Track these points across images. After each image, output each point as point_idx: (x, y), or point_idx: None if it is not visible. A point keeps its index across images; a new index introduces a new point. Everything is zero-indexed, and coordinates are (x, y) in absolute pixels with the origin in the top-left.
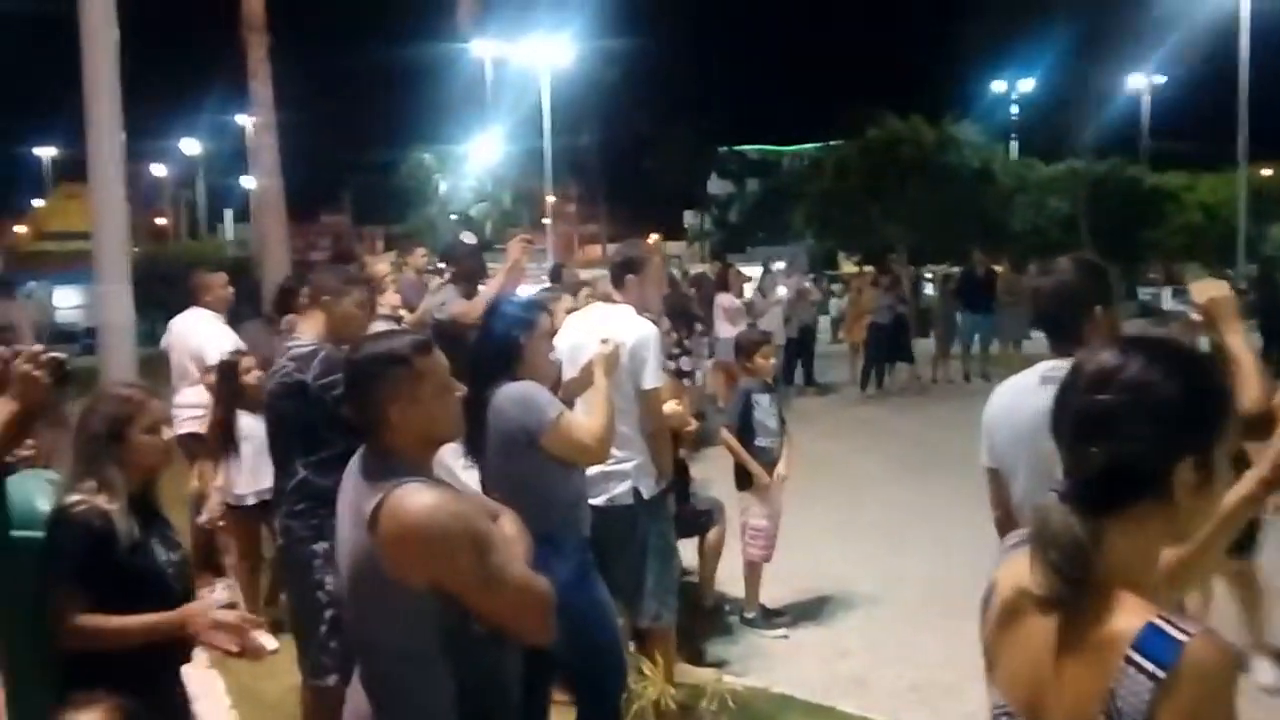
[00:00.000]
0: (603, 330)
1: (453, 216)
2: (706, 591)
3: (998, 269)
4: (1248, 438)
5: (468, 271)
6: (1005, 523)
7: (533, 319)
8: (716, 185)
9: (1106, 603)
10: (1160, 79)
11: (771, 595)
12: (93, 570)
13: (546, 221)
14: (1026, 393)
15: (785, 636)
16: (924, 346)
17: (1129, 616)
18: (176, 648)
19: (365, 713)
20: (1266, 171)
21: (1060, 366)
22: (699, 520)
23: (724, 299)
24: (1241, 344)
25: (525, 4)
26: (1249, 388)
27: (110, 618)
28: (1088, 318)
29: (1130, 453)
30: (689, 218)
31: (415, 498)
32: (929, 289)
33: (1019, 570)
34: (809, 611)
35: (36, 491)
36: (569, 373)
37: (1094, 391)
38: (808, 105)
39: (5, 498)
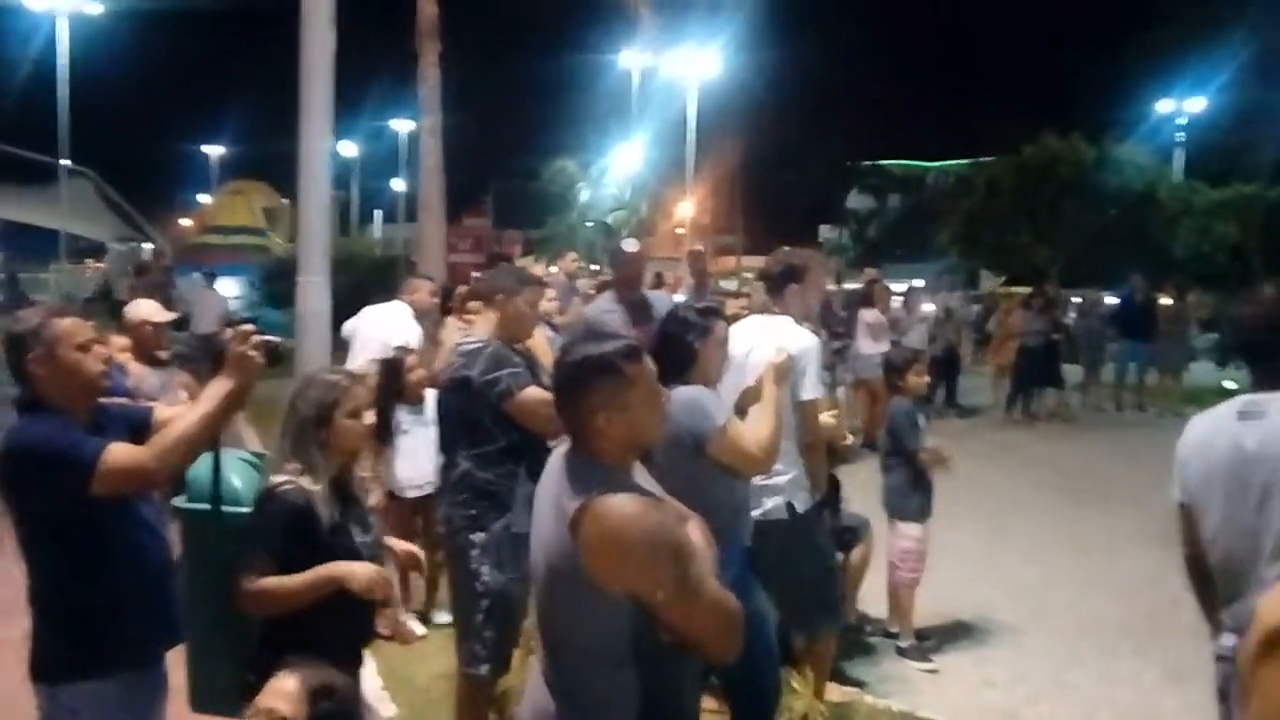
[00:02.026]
0: (771, 340)
1: (588, 224)
2: (848, 610)
3: (1161, 297)
4: None
5: (627, 278)
6: (1195, 559)
7: (709, 325)
8: (856, 200)
9: None
10: None
11: (915, 618)
12: (294, 549)
13: (681, 231)
14: (1222, 427)
15: (935, 670)
16: (1072, 373)
17: None
18: (361, 626)
19: (547, 711)
20: None
21: (1261, 400)
22: (844, 537)
23: (868, 314)
24: None
25: (677, 16)
26: None
27: (276, 578)
28: None
29: None
30: (825, 232)
31: (620, 505)
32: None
33: (1277, 603)
34: (952, 636)
35: (232, 468)
36: (740, 383)
37: None
38: (953, 122)
39: (220, 471)
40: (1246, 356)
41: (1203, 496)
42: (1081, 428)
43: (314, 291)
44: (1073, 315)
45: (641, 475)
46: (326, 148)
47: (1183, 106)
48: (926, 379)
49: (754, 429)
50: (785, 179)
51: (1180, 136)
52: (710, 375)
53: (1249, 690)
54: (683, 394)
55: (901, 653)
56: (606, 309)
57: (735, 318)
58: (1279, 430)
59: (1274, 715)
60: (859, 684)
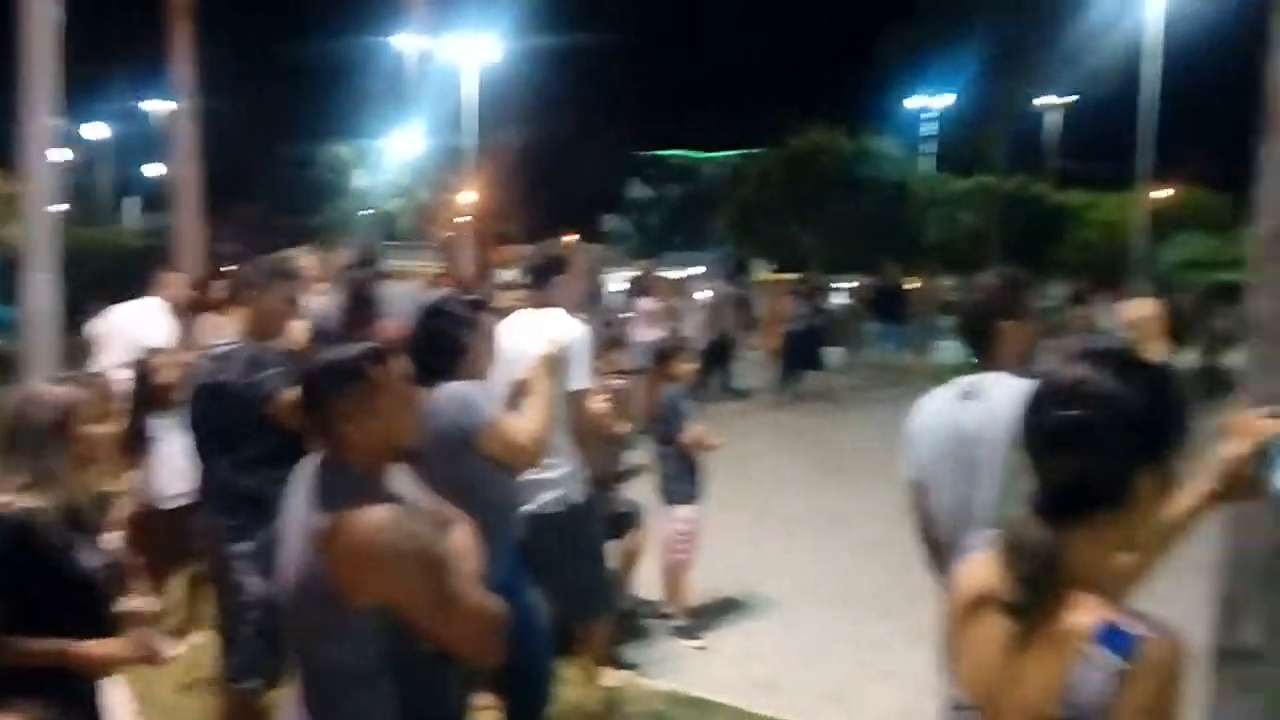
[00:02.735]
0: (541, 332)
1: (364, 211)
2: (624, 594)
3: (910, 280)
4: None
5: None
6: (926, 531)
7: (475, 318)
8: (637, 190)
9: (1066, 603)
10: (1070, 99)
11: (688, 598)
12: (17, 574)
13: (462, 220)
14: (946, 407)
15: (703, 647)
16: (836, 355)
17: (1087, 615)
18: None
19: None
20: (1165, 193)
21: (978, 381)
22: (619, 522)
23: (645, 303)
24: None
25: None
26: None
27: (32, 641)
28: (1001, 331)
29: (1099, 464)
30: (608, 221)
31: (369, 517)
32: (841, 299)
33: (979, 571)
34: (722, 614)
35: None
36: (511, 376)
37: (1064, 406)
38: (728, 113)
39: None
40: (968, 339)
41: (929, 473)
42: (843, 405)
43: (40, 288)
44: (839, 300)
45: (398, 480)
46: (51, 127)
47: (932, 102)
48: (694, 366)
49: (524, 422)
50: (567, 168)
51: (931, 130)
52: (479, 369)
53: (953, 654)
54: (450, 390)
55: (676, 632)
56: (324, 307)
57: (509, 309)
58: (995, 410)
59: (977, 678)
60: (632, 667)
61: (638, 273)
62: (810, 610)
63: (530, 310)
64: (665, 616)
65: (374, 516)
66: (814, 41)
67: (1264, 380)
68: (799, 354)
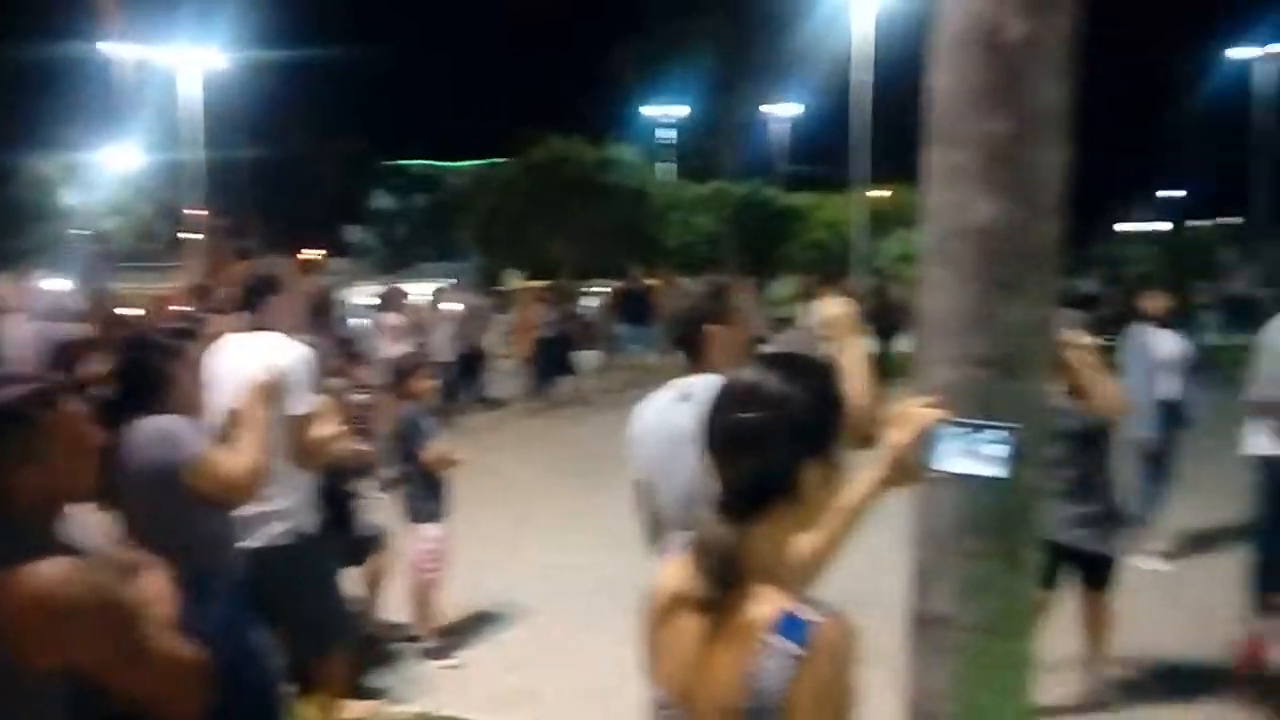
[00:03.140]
0: (256, 356)
1: (76, 232)
2: (369, 620)
3: (654, 283)
4: (855, 445)
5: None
6: (653, 530)
7: (180, 348)
8: (380, 200)
9: (749, 596)
10: (795, 108)
11: (439, 617)
12: None
13: (191, 237)
14: (665, 409)
15: (457, 666)
16: (590, 359)
17: (768, 606)
18: None
19: None
20: (883, 193)
21: (692, 383)
22: (362, 547)
23: (388, 318)
24: (857, 357)
25: (169, 7)
26: (860, 399)
27: None
28: (709, 336)
29: (773, 461)
30: (352, 233)
31: (42, 570)
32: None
33: (673, 574)
34: (477, 629)
35: None
36: (225, 405)
37: (740, 409)
38: (472, 123)
39: None
40: (679, 344)
41: (652, 473)
42: (597, 409)
43: None
44: (590, 305)
45: (78, 526)
46: None
47: (669, 111)
48: (435, 383)
49: (237, 454)
50: (306, 179)
51: (669, 138)
52: (186, 401)
53: (652, 654)
54: (152, 425)
55: (426, 654)
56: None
57: (219, 334)
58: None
59: (673, 676)
60: (381, 694)
61: (382, 288)
62: (564, 613)
63: (243, 334)
64: (415, 639)
65: (48, 571)
66: (553, 52)
67: (930, 372)
68: (551, 360)
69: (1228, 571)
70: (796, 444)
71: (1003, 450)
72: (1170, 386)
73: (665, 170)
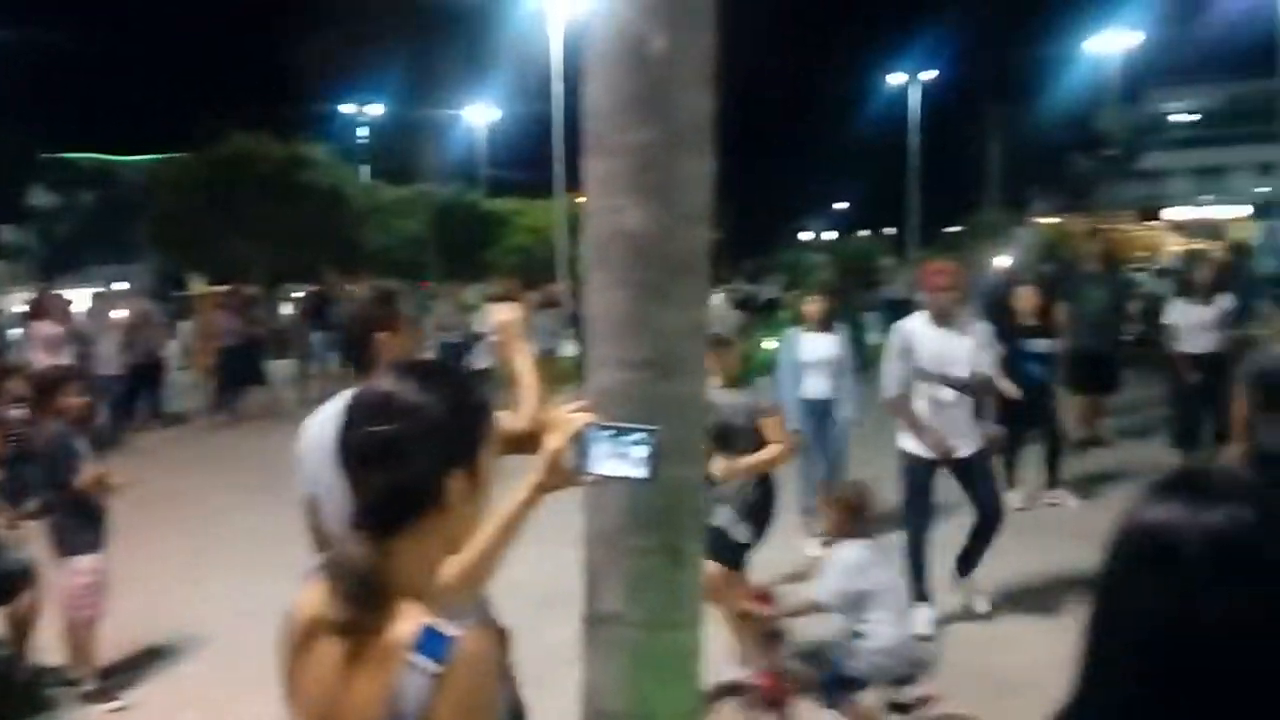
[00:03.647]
0: None
1: None
2: (20, 664)
3: (350, 289)
4: (522, 450)
5: None
6: (323, 547)
7: None
8: (41, 197)
9: (391, 615)
10: (497, 113)
11: (101, 656)
12: None
13: None
14: (329, 422)
15: (123, 707)
16: (285, 368)
17: (409, 623)
18: None
19: None
20: (584, 199)
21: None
22: (7, 583)
23: (41, 327)
24: (525, 363)
25: None
26: (527, 404)
27: None
28: (374, 344)
29: (411, 474)
30: (7, 233)
31: None
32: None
33: (311, 596)
34: (147, 666)
35: None
36: None
37: (372, 421)
38: (147, 114)
39: None
40: (347, 352)
41: (318, 487)
42: (290, 421)
43: None
44: (285, 311)
45: None
46: None
47: (363, 110)
48: (84, 399)
49: None
50: None
51: (364, 138)
52: None
53: (290, 684)
54: None
55: (86, 698)
56: None
57: None
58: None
59: (313, 706)
60: None
61: (33, 294)
62: (252, 644)
63: None
64: (73, 683)
65: None
66: (239, 41)
67: (595, 375)
68: (237, 371)
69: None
70: (436, 455)
71: (645, 451)
72: (819, 386)
73: (361, 171)
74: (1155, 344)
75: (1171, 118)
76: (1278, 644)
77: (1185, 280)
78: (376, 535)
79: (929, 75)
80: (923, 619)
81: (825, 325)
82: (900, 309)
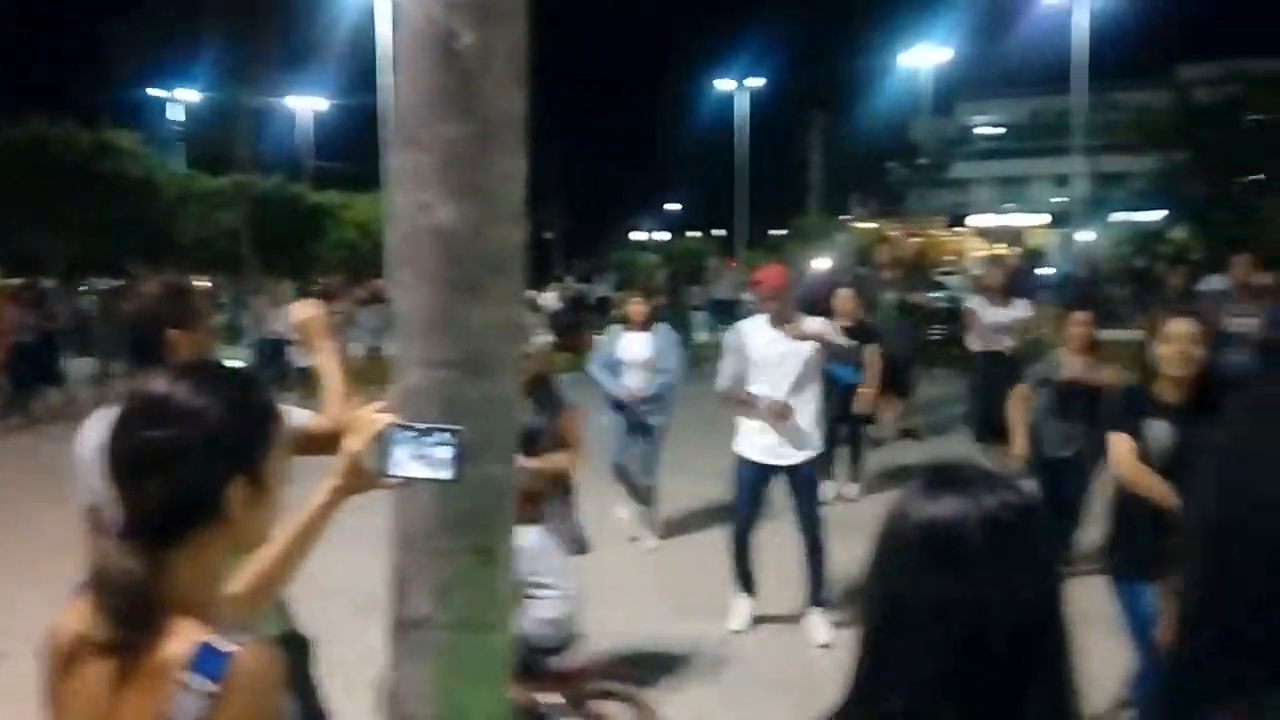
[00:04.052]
0: None
1: None
2: None
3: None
4: (329, 451)
5: None
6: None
7: None
8: None
9: (165, 632)
10: (322, 103)
11: None
12: None
13: None
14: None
15: None
16: (84, 367)
17: (183, 641)
18: None
19: None
20: None
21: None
22: None
23: None
24: (329, 362)
25: None
26: (332, 404)
27: None
28: (165, 340)
29: (188, 482)
30: None
31: None
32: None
33: (76, 613)
34: None
35: None
36: None
37: (145, 426)
38: None
39: None
40: (135, 349)
41: (97, 497)
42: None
43: None
44: (83, 305)
45: None
46: None
47: (177, 97)
48: None
49: None
50: None
51: (177, 126)
52: None
53: (54, 709)
54: None
55: None
56: None
57: None
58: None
59: None
60: None
61: None
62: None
63: None
64: None
65: None
66: (38, 21)
67: (404, 374)
68: (31, 369)
69: (714, 549)
70: (215, 462)
71: (448, 452)
72: (634, 385)
73: (175, 160)
74: (960, 343)
75: (978, 130)
76: (1052, 623)
77: (982, 283)
78: (149, 547)
79: (756, 83)
80: (741, 613)
81: (645, 326)
82: (726, 309)
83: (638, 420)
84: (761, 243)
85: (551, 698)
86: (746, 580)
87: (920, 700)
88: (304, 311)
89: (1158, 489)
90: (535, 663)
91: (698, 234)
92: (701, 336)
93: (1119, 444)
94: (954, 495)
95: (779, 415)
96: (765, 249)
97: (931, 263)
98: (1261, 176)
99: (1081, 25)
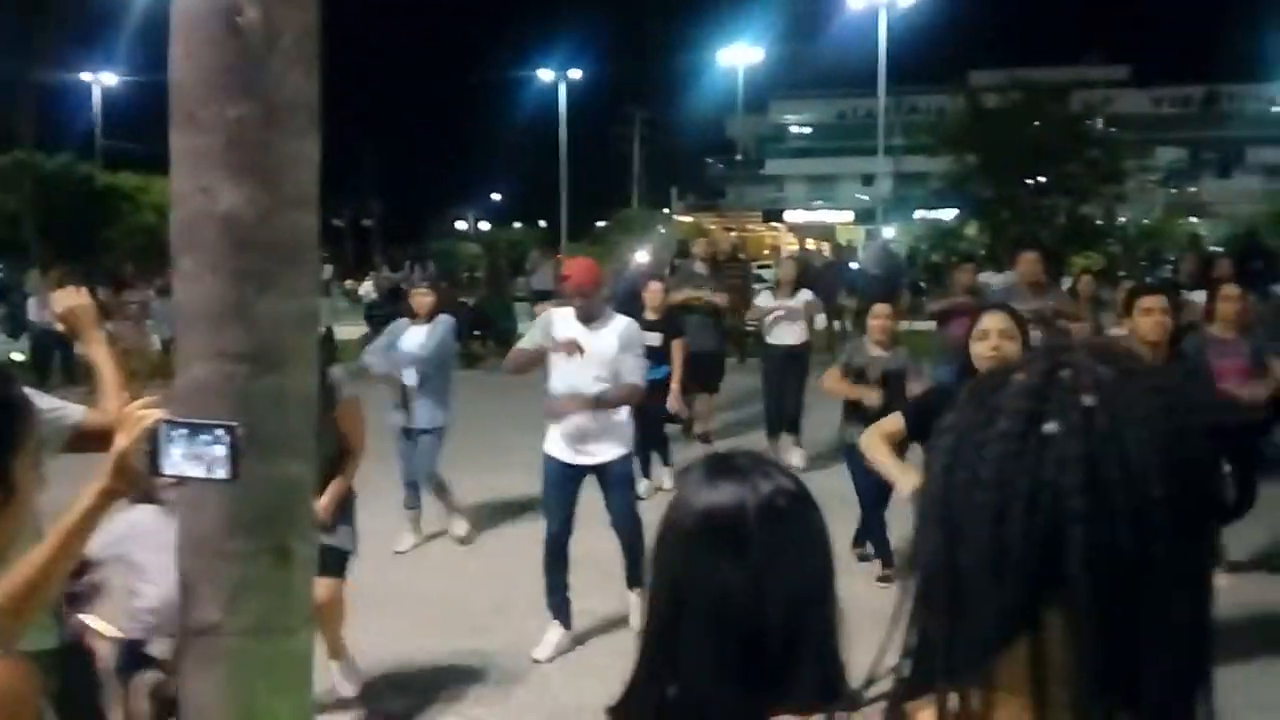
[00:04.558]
0: None
1: None
2: None
3: None
4: (99, 448)
5: None
6: None
7: None
8: None
9: None
10: (114, 79)
11: None
12: None
13: None
14: None
15: None
16: None
17: None
18: None
19: None
20: None
21: None
22: None
23: None
24: (99, 353)
25: None
26: (107, 398)
27: None
28: None
29: None
30: None
31: None
32: None
33: None
34: None
35: None
36: None
37: None
38: None
39: None
40: None
41: None
42: None
43: None
44: None
45: None
46: None
47: None
48: None
49: None
50: None
51: None
52: None
53: None
54: None
55: None
56: None
57: None
58: None
59: None
60: None
61: None
62: None
63: None
64: None
65: None
66: None
67: (187, 368)
68: None
69: (529, 545)
70: None
71: (222, 450)
72: (410, 377)
73: None
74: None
75: (791, 129)
76: (825, 603)
77: (776, 277)
78: None
79: (576, 74)
80: (550, 642)
81: (430, 318)
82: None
83: (410, 414)
84: (586, 234)
85: None
86: (561, 607)
87: (699, 684)
88: (67, 300)
89: (887, 466)
90: None
91: (521, 225)
92: (524, 327)
93: (883, 423)
94: (732, 483)
95: (561, 409)
96: (589, 241)
97: (751, 257)
98: (1043, 179)
99: (884, 30)
